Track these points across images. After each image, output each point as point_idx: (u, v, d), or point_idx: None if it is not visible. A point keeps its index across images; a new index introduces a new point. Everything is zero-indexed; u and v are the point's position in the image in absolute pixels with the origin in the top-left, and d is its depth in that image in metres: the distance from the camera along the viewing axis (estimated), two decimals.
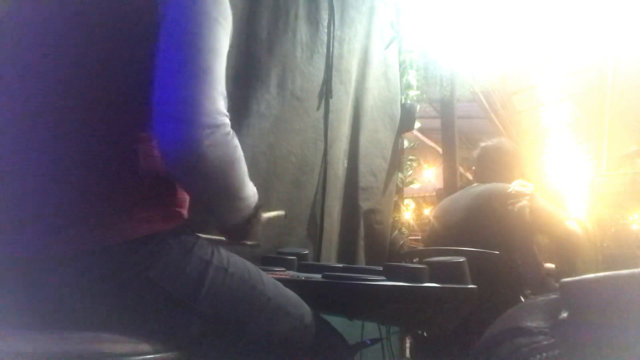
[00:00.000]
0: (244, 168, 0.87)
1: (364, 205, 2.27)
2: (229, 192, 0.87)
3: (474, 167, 2.43)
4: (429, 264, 1.08)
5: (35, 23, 0.86)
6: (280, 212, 1.22)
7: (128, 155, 0.82)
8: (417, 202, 6.66)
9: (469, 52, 3.21)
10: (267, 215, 1.10)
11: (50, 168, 0.80)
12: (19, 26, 0.87)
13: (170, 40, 0.81)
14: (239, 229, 0.95)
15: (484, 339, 1.16)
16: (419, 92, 2.70)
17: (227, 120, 0.81)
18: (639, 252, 7.34)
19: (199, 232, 0.93)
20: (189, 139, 0.76)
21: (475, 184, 2.32)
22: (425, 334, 1.86)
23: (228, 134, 0.81)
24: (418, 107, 2.65)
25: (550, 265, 2.23)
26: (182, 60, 0.79)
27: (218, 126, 0.79)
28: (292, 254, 1.36)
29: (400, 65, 2.65)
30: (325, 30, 2.05)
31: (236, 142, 0.83)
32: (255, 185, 0.95)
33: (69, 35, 0.84)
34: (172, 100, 0.78)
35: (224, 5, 0.86)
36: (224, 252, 0.90)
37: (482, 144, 2.41)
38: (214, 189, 0.85)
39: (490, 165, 2.31)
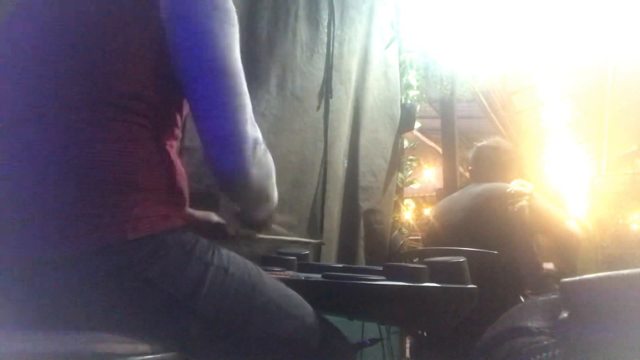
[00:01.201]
0: (274, 175, 0.98)
1: (364, 205, 2.27)
2: (267, 198, 1.01)
3: (470, 167, 2.42)
4: (429, 264, 1.08)
5: (33, 28, 0.86)
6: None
7: (127, 155, 0.82)
8: (417, 202, 6.64)
9: (469, 52, 3.22)
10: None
11: (50, 169, 0.80)
12: (17, 31, 0.87)
13: (198, 66, 0.85)
14: (262, 222, 1.11)
15: (484, 339, 1.16)
16: (419, 92, 2.71)
17: (260, 136, 0.90)
18: (639, 252, 7.33)
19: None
20: (237, 164, 0.86)
21: (472, 184, 2.31)
22: (425, 334, 1.85)
23: (265, 150, 0.91)
24: (418, 107, 2.66)
25: (549, 266, 2.23)
26: (218, 89, 0.86)
27: (257, 146, 0.88)
28: (292, 254, 1.36)
29: (400, 65, 2.65)
30: (325, 30, 2.05)
31: (269, 155, 0.94)
32: None
33: (66, 40, 0.84)
34: (217, 131, 0.86)
35: (233, 15, 0.92)
36: (224, 252, 0.90)
37: (478, 144, 2.39)
38: (257, 198, 0.98)
39: (488, 164, 2.30)
